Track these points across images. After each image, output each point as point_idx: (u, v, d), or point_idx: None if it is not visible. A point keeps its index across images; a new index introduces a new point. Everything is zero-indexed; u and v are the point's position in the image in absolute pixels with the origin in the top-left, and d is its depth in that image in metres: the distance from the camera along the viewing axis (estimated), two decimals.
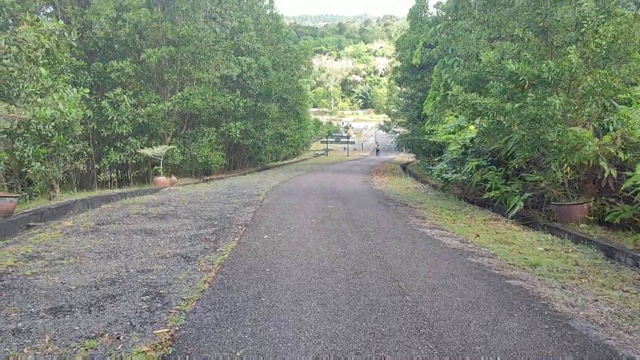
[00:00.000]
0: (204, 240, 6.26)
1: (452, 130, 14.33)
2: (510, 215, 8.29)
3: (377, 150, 51.61)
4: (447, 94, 8.15)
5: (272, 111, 22.67)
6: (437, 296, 4.05)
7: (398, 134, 33.50)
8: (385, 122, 39.29)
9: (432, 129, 17.28)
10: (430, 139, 16.40)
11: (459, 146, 12.49)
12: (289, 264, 5.05)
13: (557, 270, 4.99)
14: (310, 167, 26.70)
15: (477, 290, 4.27)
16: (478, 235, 6.80)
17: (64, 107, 7.15)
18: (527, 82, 7.17)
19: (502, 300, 4.01)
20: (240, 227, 7.13)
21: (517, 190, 8.86)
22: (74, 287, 4.19)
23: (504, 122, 6.78)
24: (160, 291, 4.13)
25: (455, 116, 14.13)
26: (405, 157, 44.13)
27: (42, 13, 14.74)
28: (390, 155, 48.93)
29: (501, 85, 7.36)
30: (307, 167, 26.69)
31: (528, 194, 8.41)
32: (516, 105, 7.40)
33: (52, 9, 15.16)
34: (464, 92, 7.46)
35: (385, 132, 39.08)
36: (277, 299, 3.91)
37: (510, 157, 9.48)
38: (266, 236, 6.47)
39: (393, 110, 34.61)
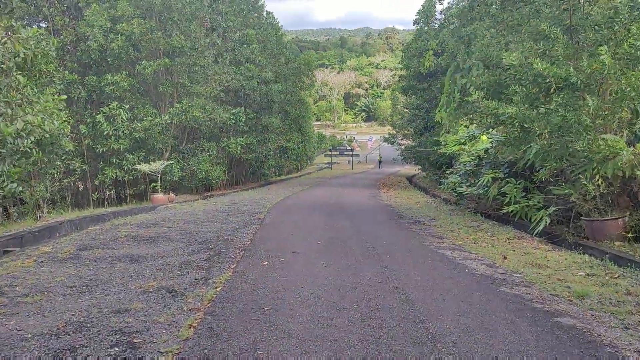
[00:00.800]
0: (195, 268, 5.56)
1: (463, 140, 13.76)
2: (536, 232, 7.60)
3: (380, 162, 51.68)
4: (464, 101, 7.42)
5: (274, 124, 22.32)
6: (475, 343, 3.31)
7: (404, 147, 33.07)
8: (390, 134, 38.98)
9: (439, 140, 16.79)
10: (440, 151, 15.86)
11: (472, 157, 11.86)
12: (292, 299, 4.31)
13: (610, 303, 4.27)
14: (314, 181, 26.68)
15: (522, 333, 3.53)
16: (505, 258, 6.10)
17: (44, 119, 6.48)
18: (553, 85, 6.46)
19: (558, 347, 3.27)
20: (238, 252, 6.47)
21: (539, 204, 8.22)
22: (29, 336, 3.48)
23: (536, 129, 6.04)
24: (135, 340, 3.39)
25: (466, 126, 13.53)
26: (411, 169, 44.18)
27: (35, 26, 14.24)
28: (395, 168, 48.76)
29: (524, 89, 6.65)
30: (311, 181, 26.67)
31: (554, 208, 7.67)
32: (541, 111, 6.71)
33: (46, 24, 14.72)
34: (484, 99, 6.75)
35: (390, 145, 38.75)
36: (277, 350, 3.19)
37: (529, 168, 8.79)
38: (266, 262, 5.77)
39: (398, 122, 33.97)
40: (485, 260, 6.03)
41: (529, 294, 4.58)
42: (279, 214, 10.74)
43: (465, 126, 13.58)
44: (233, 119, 18.72)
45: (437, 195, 15.82)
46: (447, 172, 13.74)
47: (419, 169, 33.37)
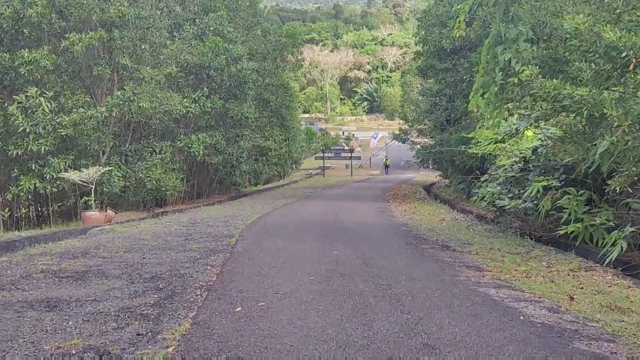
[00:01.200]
0: (139, 317, 5.20)
1: (500, 137, 13.57)
2: (608, 261, 7.44)
3: (387, 167, 52.86)
4: (508, 82, 7.15)
5: (248, 116, 22.14)
6: None
7: (419, 146, 33.18)
8: (400, 129, 39.23)
9: (469, 136, 16.73)
10: (470, 151, 15.78)
11: (515, 159, 11.71)
12: None
13: None
14: (302, 193, 26.94)
15: None
16: (572, 298, 5.83)
17: None
18: (632, 60, 6.19)
19: None
20: (199, 293, 6.16)
21: (610, 223, 8.06)
22: None
23: (613, 119, 5.76)
24: None
25: (505, 119, 13.33)
26: (428, 175, 44.92)
27: None
28: (408, 174, 49.15)
29: (593, 65, 6.37)
30: (298, 193, 26.91)
31: (631, 229, 7.44)
32: (615, 96, 6.45)
33: None
34: (540, 77, 6.48)
35: (401, 144, 38.90)
36: None
37: (595, 174, 8.56)
38: (239, 309, 5.46)
39: (411, 114, 34.25)
40: (545, 302, 5.76)
41: (616, 352, 4.24)
42: (257, 237, 10.61)
43: (504, 119, 13.40)
44: (194, 108, 18.58)
45: (466, 210, 16.06)
46: (481, 179, 13.53)
47: (439, 175, 33.80)
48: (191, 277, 6.89)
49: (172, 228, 12.18)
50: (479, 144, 14.94)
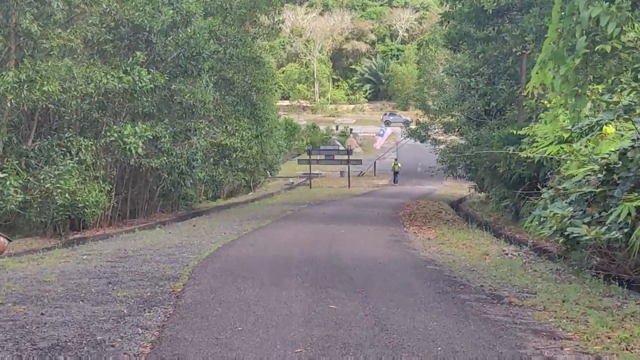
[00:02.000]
0: None
1: (567, 135, 13.49)
2: None
3: (396, 174, 53.42)
4: (596, 51, 6.57)
5: (204, 100, 22.50)
6: None
7: (443, 146, 32.97)
8: (418, 123, 39.23)
9: (519, 132, 16.84)
10: (523, 154, 15.86)
11: (593, 167, 11.44)
12: None
13: None
14: (281, 211, 26.74)
15: None
16: None
17: None
18: None
19: None
20: None
21: None
22: None
23: None
24: None
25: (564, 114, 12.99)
26: (455, 187, 45.40)
27: None
28: (427, 186, 49.49)
29: None
30: (275, 211, 26.67)
31: None
32: None
33: None
34: None
35: (419, 142, 38.79)
36: None
37: None
38: None
39: (433, 101, 34.20)
40: None
41: None
42: (214, 281, 10.36)
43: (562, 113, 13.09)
44: (126, 82, 18.65)
45: (517, 238, 16.24)
46: (541, 195, 13.18)
47: (471, 187, 33.58)
48: (111, 346, 6.58)
49: (90, 264, 12.00)
50: (534, 144, 14.89)
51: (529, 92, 8.87)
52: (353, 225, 20.45)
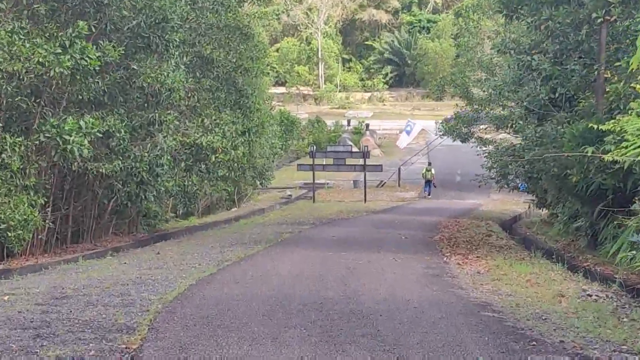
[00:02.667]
0: None
1: None
2: None
3: (428, 184, 53.53)
4: None
5: (174, 84, 22.57)
6: None
7: (492, 147, 32.67)
8: (456, 116, 38.85)
9: (603, 127, 16.40)
10: (607, 156, 15.69)
11: None
12: None
13: None
14: (276, 233, 26.79)
15: None
16: None
17: None
18: None
19: None
20: None
21: None
22: None
23: None
24: None
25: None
26: (506, 201, 45.97)
27: None
28: (470, 200, 49.59)
29: None
30: (267, 233, 26.77)
31: None
32: None
33: None
34: None
35: (458, 142, 38.48)
36: None
37: None
38: None
39: (481, 86, 33.87)
40: None
41: None
42: (185, 333, 10.13)
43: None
44: (65, 60, 18.43)
45: (597, 272, 16.22)
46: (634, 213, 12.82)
47: (529, 201, 33.39)
48: None
49: (13, 308, 11.82)
50: (624, 143, 14.62)
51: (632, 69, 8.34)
52: (374, 253, 20.28)
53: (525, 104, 25.67)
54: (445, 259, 19.46)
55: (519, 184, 33.22)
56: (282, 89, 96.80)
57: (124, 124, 21.71)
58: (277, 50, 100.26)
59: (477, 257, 19.72)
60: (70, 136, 18.94)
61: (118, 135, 21.39)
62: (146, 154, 22.95)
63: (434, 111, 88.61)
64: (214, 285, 14.36)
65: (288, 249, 21.43)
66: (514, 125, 30.84)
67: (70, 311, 11.39)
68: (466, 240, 24.30)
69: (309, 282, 14.85)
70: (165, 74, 22.45)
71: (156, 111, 23.19)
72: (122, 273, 16.25)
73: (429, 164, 54.62)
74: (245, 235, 25.51)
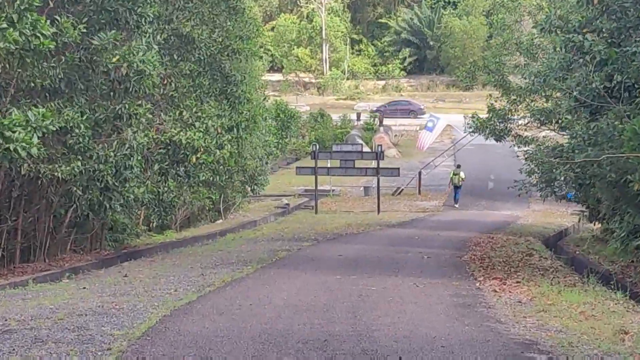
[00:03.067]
0: None
1: None
2: None
3: (457, 189, 53.35)
4: None
5: (145, 68, 22.36)
6: None
7: (532, 147, 32.41)
8: (492, 110, 38.50)
9: None
10: None
11: None
12: None
13: None
14: (269, 252, 26.90)
15: None
16: None
17: None
18: None
19: None
20: None
21: None
22: None
23: None
24: None
25: None
26: (548, 212, 46.06)
27: None
28: (505, 211, 49.85)
29: None
30: (260, 252, 26.85)
31: None
32: None
33: None
34: None
35: (492, 141, 38.32)
36: None
37: None
38: None
39: (522, 72, 33.64)
40: None
41: None
42: None
43: None
44: (9, 35, 18.30)
45: None
46: None
47: (577, 213, 33.10)
48: None
49: None
50: None
51: None
52: (390, 277, 20.30)
53: (574, 94, 25.36)
54: (478, 284, 19.30)
55: (567, 192, 32.97)
56: (278, 76, 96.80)
57: (84, 117, 21.56)
58: (272, 29, 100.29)
59: (517, 282, 19.54)
60: (14, 132, 18.62)
61: (77, 130, 21.22)
62: (112, 154, 22.70)
63: (461, 103, 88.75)
64: (192, 317, 14.15)
65: (285, 272, 21.42)
66: (560, 121, 30.63)
67: (13, 349, 11.19)
68: (503, 261, 24.17)
69: (311, 314, 14.65)
70: (136, 55, 22.06)
71: (124, 101, 22.96)
72: (80, 300, 16.07)
73: (458, 166, 54.30)
74: (233, 254, 25.55)
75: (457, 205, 50.77)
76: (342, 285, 18.69)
